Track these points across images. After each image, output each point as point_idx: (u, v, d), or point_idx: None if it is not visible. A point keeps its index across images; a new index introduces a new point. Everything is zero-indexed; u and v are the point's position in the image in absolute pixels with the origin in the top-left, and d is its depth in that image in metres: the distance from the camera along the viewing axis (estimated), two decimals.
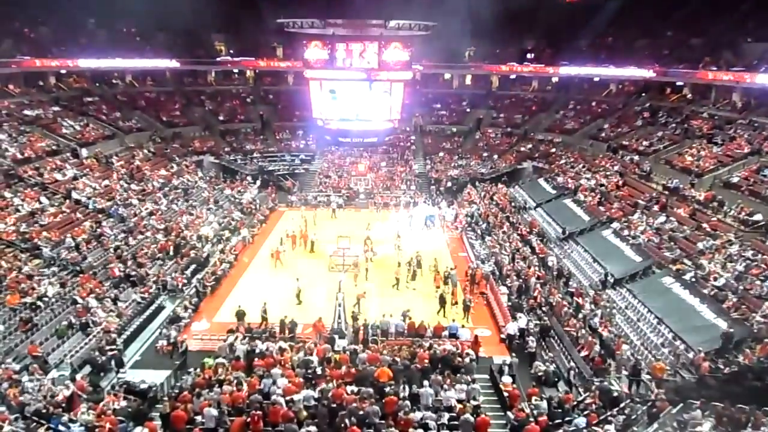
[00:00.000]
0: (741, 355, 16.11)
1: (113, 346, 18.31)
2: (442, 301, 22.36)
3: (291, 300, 22.94)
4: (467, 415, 13.53)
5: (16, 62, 37.09)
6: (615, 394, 15.26)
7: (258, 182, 40.71)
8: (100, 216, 27.76)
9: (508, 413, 14.62)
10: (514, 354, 19.35)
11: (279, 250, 28.26)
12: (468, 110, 50.82)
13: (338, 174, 42.54)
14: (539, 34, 50.09)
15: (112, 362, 17.77)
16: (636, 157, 34.03)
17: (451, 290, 23.72)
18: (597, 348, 18.13)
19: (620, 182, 31.89)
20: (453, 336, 19.51)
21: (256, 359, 16.87)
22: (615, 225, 27.30)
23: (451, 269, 24.97)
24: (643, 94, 41.88)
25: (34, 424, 12.98)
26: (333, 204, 36.85)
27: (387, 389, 14.51)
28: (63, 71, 41.68)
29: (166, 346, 19.31)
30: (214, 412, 13.36)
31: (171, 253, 26.60)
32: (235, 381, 14.97)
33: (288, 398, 14.00)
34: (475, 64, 49.94)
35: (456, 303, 22.92)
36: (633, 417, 13.32)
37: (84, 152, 33.89)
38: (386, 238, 30.02)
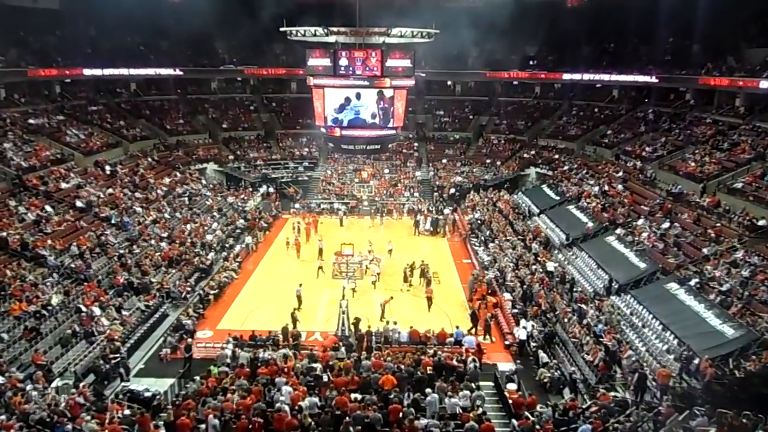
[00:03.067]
0: (747, 361, 16.02)
1: (117, 355, 18.34)
2: (475, 319, 21.69)
3: (294, 305, 22.95)
4: (472, 423, 13.47)
5: (21, 71, 37.33)
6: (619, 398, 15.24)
7: (261, 190, 40.84)
8: (105, 224, 27.86)
9: (513, 420, 14.55)
10: (518, 361, 19.34)
11: (299, 241, 30.12)
12: (471, 117, 50.91)
13: (341, 181, 42.64)
14: (542, 41, 50.20)
15: (121, 370, 17.78)
16: (639, 163, 34.01)
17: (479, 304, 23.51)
18: (602, 354, 18.07)
19: (623, 188, 31.85)
20: (458, 343, 19.47)
21: (259, 367, 16.89)
22: (619, 231, 27.23)
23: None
24: (646, 100, 41.87)
25: None
26: (340, 212, 36.94)
27: (391, 396, 14.46)
28: (68, 80, 41.92)
29: (171, 354, 19.39)
30: (215, 420, 13.32)
31: (172, 261, 26.62)
32: (239, 389, 14.97)
33: (292, 405, 14.00)
34: (478, 70, 50.03)
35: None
36: (638, 424, 13.23)
37: (107, 167, 34.09)
38: (388, 245, 30.05)
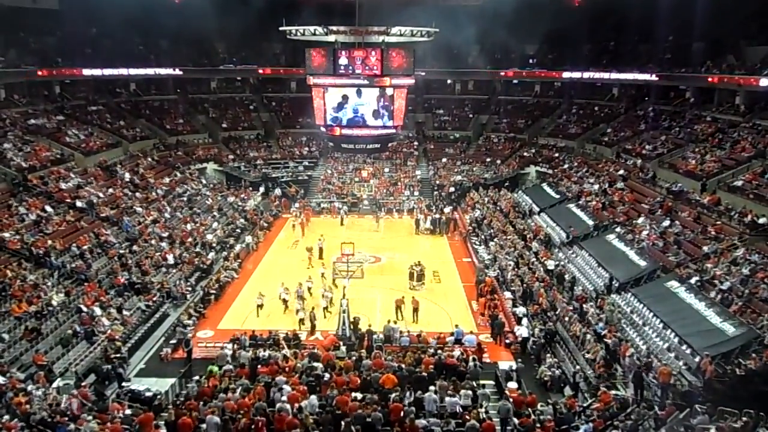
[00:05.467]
0: (748, 359, 16.01)
1: (117, 355, 18.35)
2: (495, 323, 21.22)
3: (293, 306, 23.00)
4: (473, 421, 13.47)
5: (21, 72, 37.27)
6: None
7: (261, 189, 40.82)
8: (105, 225, 27.88)
9: (514, 419, 14.55)
10: (520, 359, 19.35)
11: (303, 222, 32.99)
12: (471, 116, 50.87)
13: (341, 180, 42.64)
14: (541, 39, 50.18)
15: (120, 370, 17.78)
16: (639, 161, 33.99)
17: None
18: (602, 353, 18.08)
19: (624, 186, 31.85)
20: (458, 342, 19.47)
21: (260, 366, 16.90)
22: (619, 229, 27.23)
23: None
24: (646, 98, 41.84)
25: None
26: (341, 212, 36.94)
27: (392, 396, 14.45)
28: (67, 80, 41.90)
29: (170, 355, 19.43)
30: (216, 419, 13.33)
31: (171, 261, 26.62)
32: (240, 388, 14.98)
33: (296, 405, 14.00)
34: (478, 69, 50.01)
35: (483, 314, 22.89)
36: (639, 422, 13.23)
37: (126, 175, 34.16)
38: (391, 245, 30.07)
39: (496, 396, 16.83)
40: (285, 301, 23.18)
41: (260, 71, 49.34)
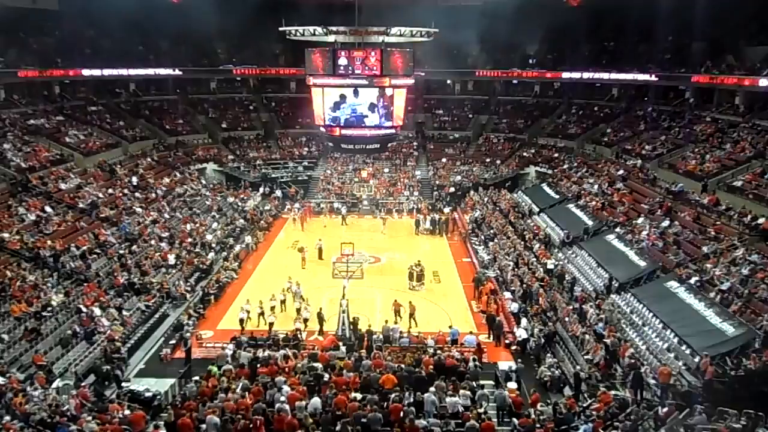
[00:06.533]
0: (747, 359, 16.01)
1: (117, 355, 18.34)
2: (492, 323, 21.16)
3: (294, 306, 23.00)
4: (473, 421, 13.47)
5: (20, 72, 37.27)
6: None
7: (261, 189, 40.83)
8: (105, 225, 27.88)
9: (514, 419, 14.56)
10: (519, 360, 19.35)
11: (303, 216, 34.34)
12: (470, 116, 50.86)
13: (341, 181, 42.64)
14: (541, 40, 50.16)
15: (117, 372, 17.77)
16: (639, 162, 33.99)
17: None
18: (602, 353, 18.07)
19: (623, 186, 31.85)
20: (454, 342, 19.46)
21: (259, 366, 16.89)
22: (619, 230, 27.23)
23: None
24: (646, 99, 41.84)
25: None
26: (342, 211, 36.96)
27: (393, 396, 14.45)
28: (67, 81, 41.89)
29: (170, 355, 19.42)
30: (216, 420, 13.33)
31: (171, 261, 26.60)
32: (239, 388, 14.98)
33: (294, 406, 14.00)
34: (477, 69, 50.02)
35: (483, 312, 22.88)
36: (639, 422, 13.23)
37: (134, 179, 34.24)
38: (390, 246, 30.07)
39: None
40: (261, 314, 22.17)
41: (260, 71, 49.30)
